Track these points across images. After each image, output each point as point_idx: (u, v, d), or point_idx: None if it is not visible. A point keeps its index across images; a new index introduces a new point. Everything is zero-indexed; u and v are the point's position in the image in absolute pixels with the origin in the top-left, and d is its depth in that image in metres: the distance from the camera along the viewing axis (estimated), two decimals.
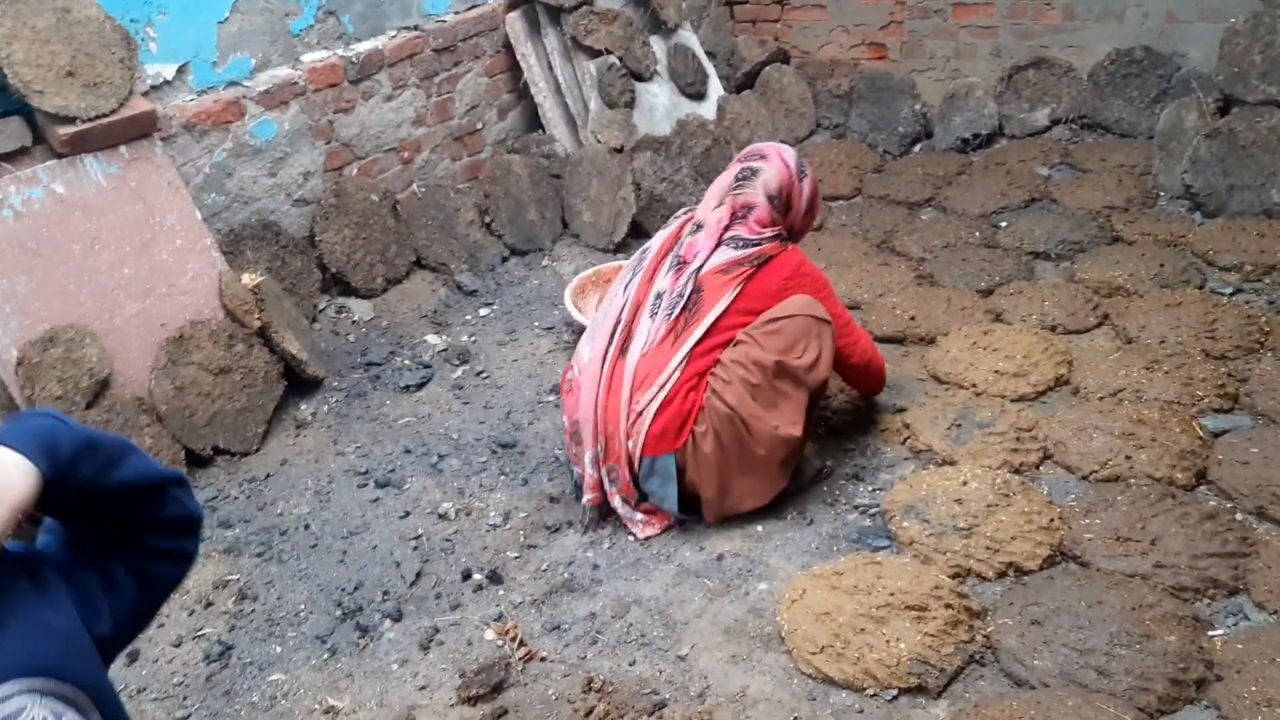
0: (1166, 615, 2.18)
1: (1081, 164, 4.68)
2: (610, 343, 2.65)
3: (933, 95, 5.30)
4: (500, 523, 2.80)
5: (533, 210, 4.25)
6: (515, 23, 4.35)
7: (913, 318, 3.52)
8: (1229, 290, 3.54)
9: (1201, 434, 2.77)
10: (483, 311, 3.90)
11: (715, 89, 4.96)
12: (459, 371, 3.53)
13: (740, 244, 2.64)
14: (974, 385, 3.14)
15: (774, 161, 2.73)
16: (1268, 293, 3.51)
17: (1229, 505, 2.55)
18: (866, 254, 4.12)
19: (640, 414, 2.57)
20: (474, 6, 4.29)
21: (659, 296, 2.64)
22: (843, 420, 3.06)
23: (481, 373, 3.52)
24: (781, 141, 5.22)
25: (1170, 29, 4.82)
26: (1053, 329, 3.42)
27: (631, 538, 2.70)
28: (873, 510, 2.69)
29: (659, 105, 4.61)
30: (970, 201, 4.46)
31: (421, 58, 4.03)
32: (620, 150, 4.27)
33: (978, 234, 4.17)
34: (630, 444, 2.60)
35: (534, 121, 4.55)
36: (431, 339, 3.69)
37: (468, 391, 3.43)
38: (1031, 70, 5.09)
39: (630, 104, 4.44)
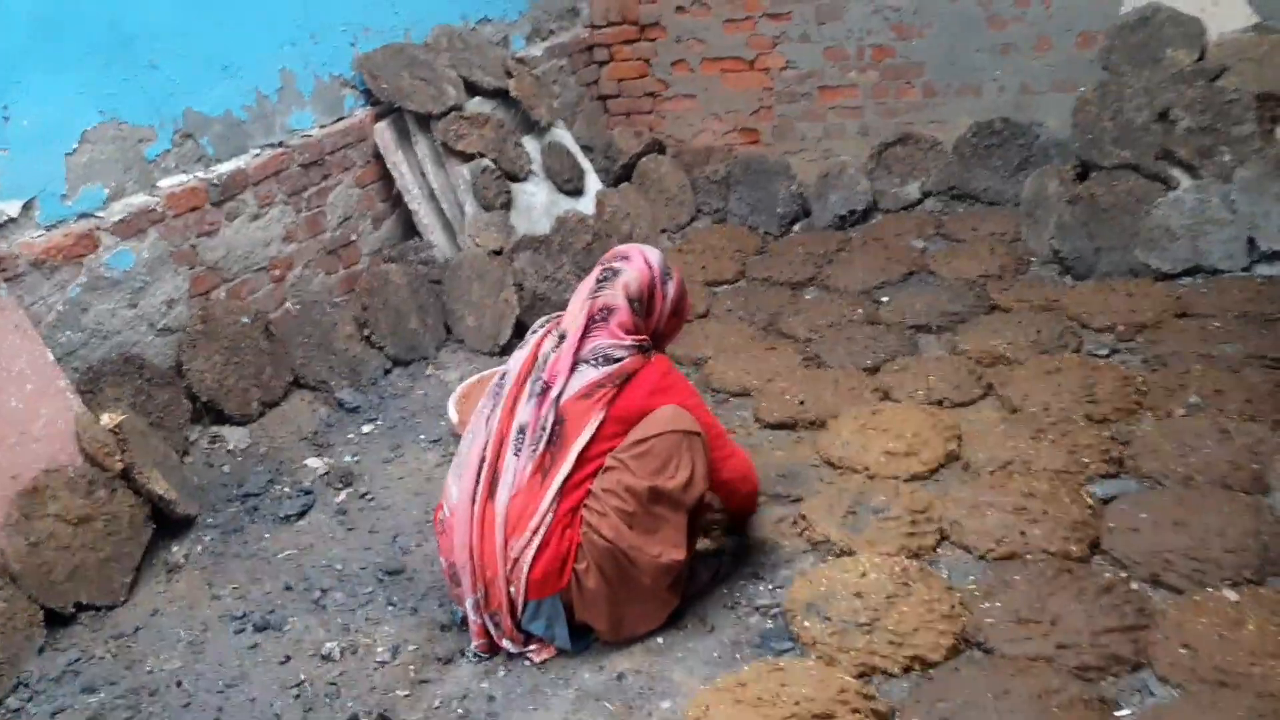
0: (1073, 700, 2.14)
1: (954, 234, 4.78)
2: (477, 484, 2.54)
3: (808, 175, 5.40)
4: (389, 658, 2.65)
5: (414, 318, 4.15)
6: (384, 132, 4.30)
7: (802, 402, 3.51)
8: (1105, 352, 3.62)
9: (1091, 503, 2.78)
10: (366, 429, 3.76)
11: (593, 184, 4.97)
12: (342, 495, 3.38)
13: (600, 361, 2.54)
14: (867, 468, 3.11)
15: (635, 262, 2.65)
16: (1141, 351, 3.59)
17: (1123, 575, 2.54)
18: (753, 338, 4.12)
19: (517, 560, 2.46)
20: (340, 119, 4.22)
21: (521, 431, 2.53)
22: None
23: (366, 494, 3.37)
24: (662, 231, 5.27)
25: (1026, 100, 5.01)
26: (940, 403, 3.44)
27: (527, 661, 2.57)
28: (774, 611, 2.61)
29: (536, 204, 4.59)
30: (851, 278, 4.50)
31: (288, 174, 3.93)
32: (499, 252, 4.22)
33: (860, 310, 4.20)
34: (511, 589, 2.49)
35: (410, 229, 4.48)
36: (312, 462, 3.54)
37: (352, 516, 3.27)
38: (899, 146, 5.23)
39: (507, 205, 4.40)
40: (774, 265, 4.81)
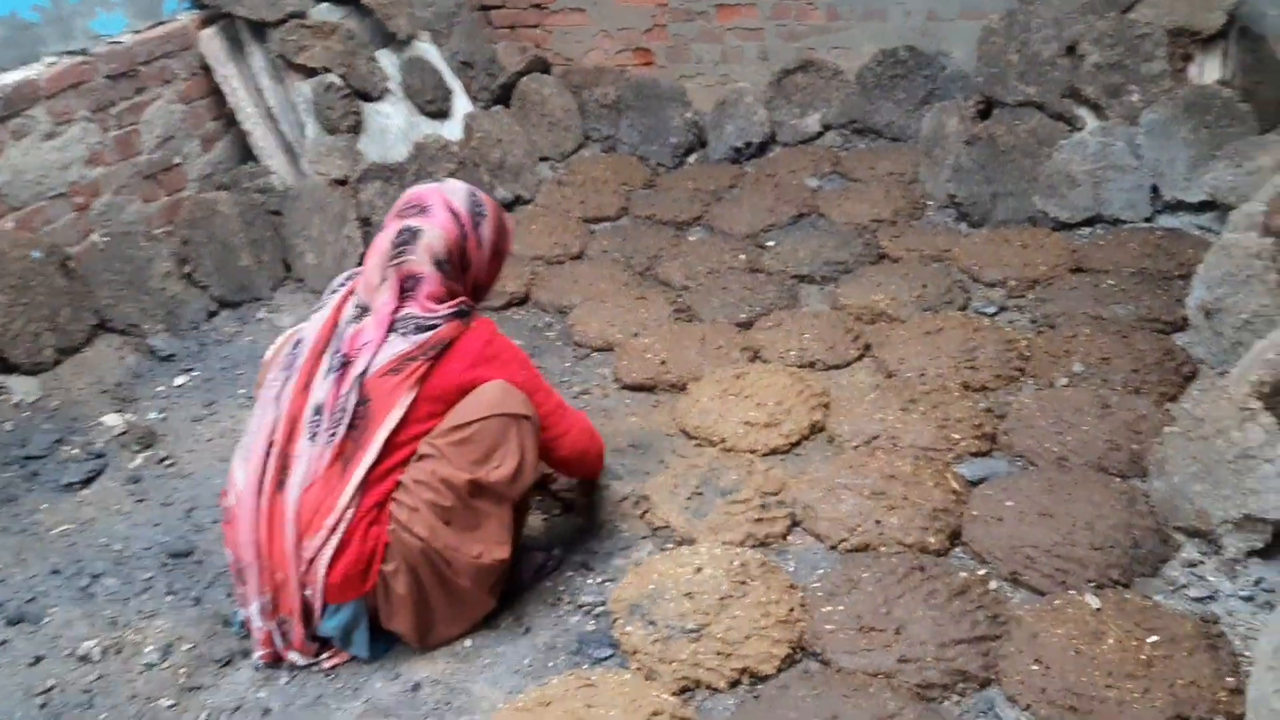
0: None
1: (851, 173, 4.46)
2: (264, 472, 2.18)
3: (704, 102, 5.02)
4: (158, 659, 2.30)
5: (246, 254, 3.72)
6: (211, 41, 3.81)
7: (664, 362, 3.19)
8: (992, 310, 3.35)
9: (956, 486, 2.52)
10: (179, 380, 3.36)
11: (461, 105, 4.53)
12: (138, 459, 2.99)
13: (410, 329, 2.19)
14: (723, 440, 2.82)
15: (437, 215, 2.24)
16: (1030, 310, 3.32)
17: (982, 573, 2.29)
18: (626, 284, 3.78)
19: (313, 561, 2.12)
20: (158, 24, 3.73)
21: (318, 411, 2.16)
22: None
23: (166, 459, 3.00)
24: (543, 159, 4.83)
25: (932, 27, 4.66)
26: (811, 365, 3.15)
27: (316, 668, 2.25)
28: (598, 610, 2.32)
29: (392, 128, 4.15)
30: (738, 220, 4.17)
31: (91, 86, 3.44)
32: (344, 181, 3.79)
33: (743, 256, 3.88)
34: (307, 593, 2.15)
35: (248, 152, 4.01)
36: (109, 420, 3.13)
37: (146, 485, 2.90)
38: (800, 74, 4.87)
39: (356, 128, 3.96)
40: (660, 202, 4.45)
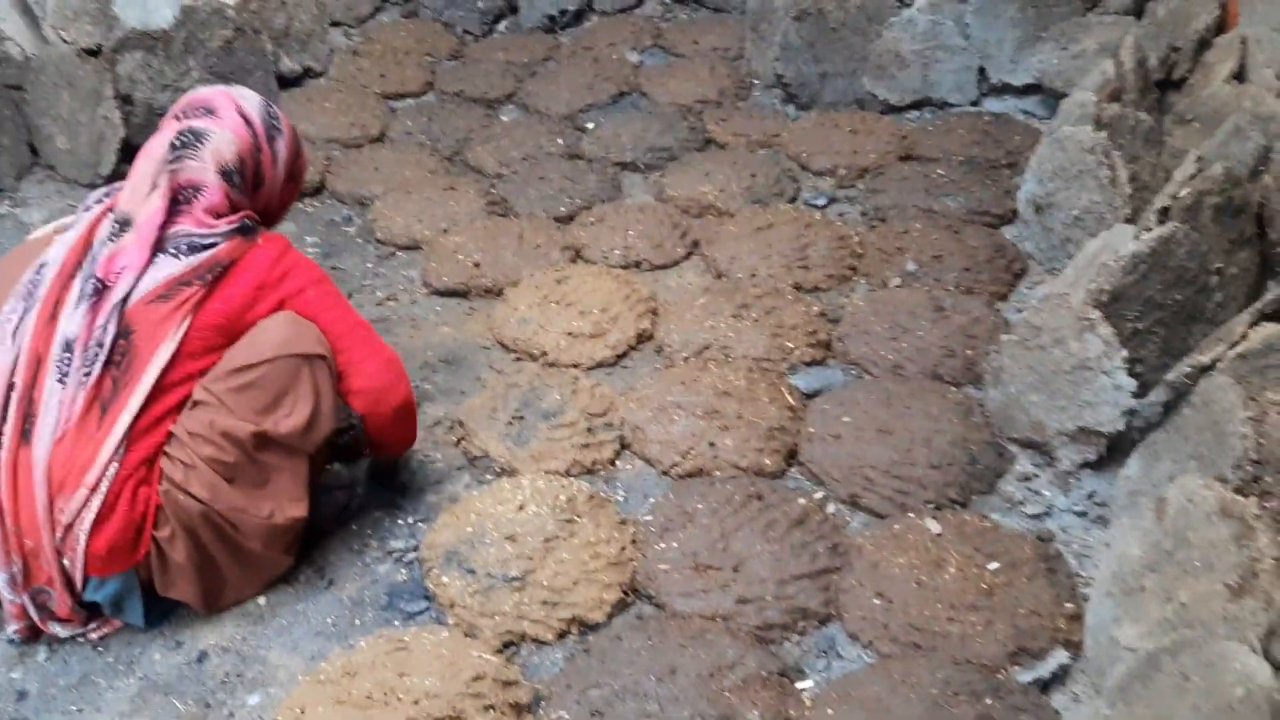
0: (749, 678, 1.77)
1: (674, 47, 4.19)
2: (3, 420, 1.81)
3: None
4: None
5: None
6: None
7: (478, 264, 2.90)
8: (822, 202, 3.20)
9: (792, 400, 2.39)
10: None
11: None
12: None
13: (185, 247, 1.84)
14: (544, 354, 2.59)
15: (227, 118, 1.89)
16: (861, 201, 3.20)
17: (819, 496, 2.19)
18: (434, 172, 3.43)
19: (70, 527, 1.78)
20: None
21: (67, 348, 1.79)
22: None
23: None
24: (334, 24, 4.30)
25: None
26: (637, 265, 2.94)
27: (82, 639, 1.95)
28: (409, 557, 2.09)
29: None
30: (555, 98, 3.85)
31: None
32: (96, 52, 3.24)
33: (561, 140, 3.58)
34: (66, 562, 1.82)
35: None
36: None
37: None
38: None
39: None
40: (469, 75, 4.06)
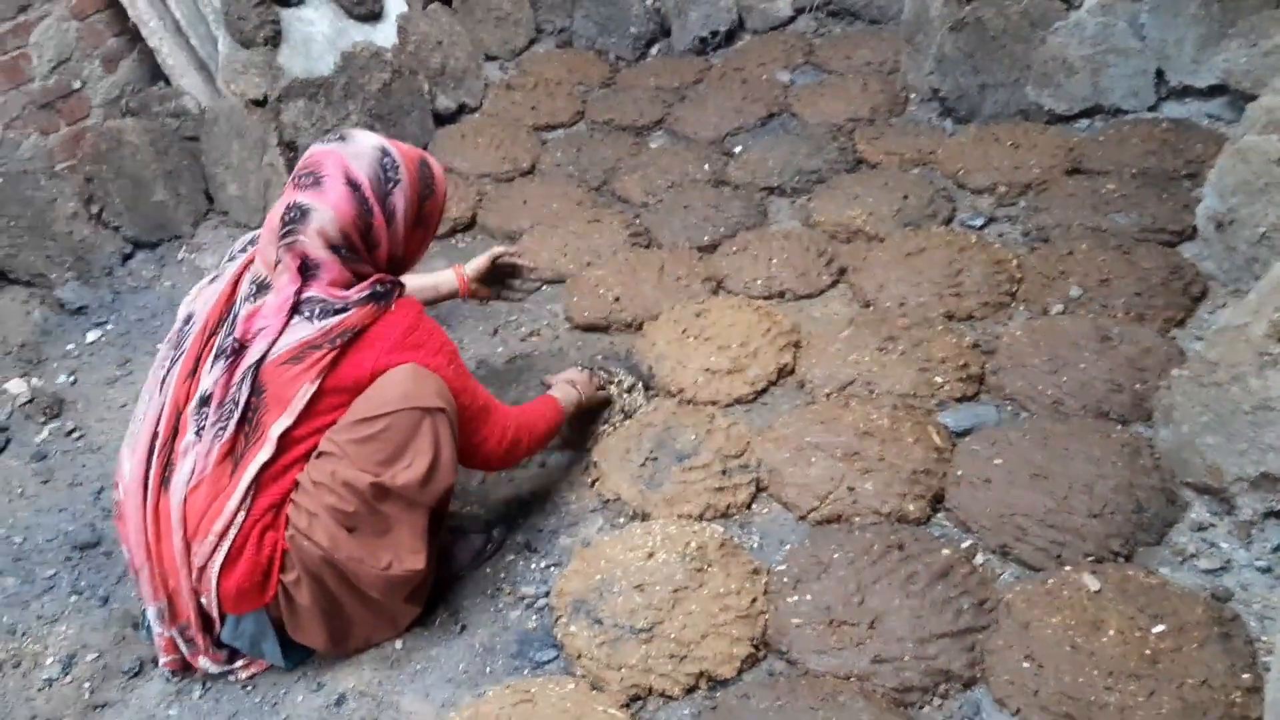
0: None
1: (826, 63, 4.07)
2: (149, 466, 1.91)
3: None
4: (59, 674, 2.09)
5: (161, 188, 3.38)
6: None
7: (618, 299, 2.89)
8: (979, 222, 3.03)
9: (939, 441, 2.26)
10: (91, 336, 3.07)
11: (396, 5, 4.09)
12: (45, 432, 2.73)
13: (319, 312, 1.87)
14: (681, 391, 2.55)
15: (330, 191, 1.87)
16: (1022, 221, 3.01)
17: (967, 545, 2.05)
18: (580, 204, 3.45)
19: (203, 569, 1.87)
20: None
21: (204, 403, 1.87)
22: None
23: (75, 431, 2.73)
24: (490, 58, 4.37)
25: None
26: (780, 295, 2.86)
27: (232, 678, 2.04)
28: (540, 603, 2.09)
29: (317, 36, 3.74)
30: (703, 123, 3.81)
31: None
32: (263, 102, 3.42)
33: (707, 167, 3.54)
34: (203, 600, 1.91)
35: (158, 71, 3.62)
36: (14, 386, 2.86)
37: (53, 461, 2.64)
38: None
39: (274, 39, 3.56)
40: (619, 103, 4.07)
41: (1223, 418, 2.00)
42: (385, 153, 1.94)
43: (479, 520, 2.27)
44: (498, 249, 2.60)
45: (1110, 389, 2.31)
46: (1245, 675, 1.69)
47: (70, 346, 3.03)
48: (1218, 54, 3.24)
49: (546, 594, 2.09)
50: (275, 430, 1.85)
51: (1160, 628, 1.77)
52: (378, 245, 1.93)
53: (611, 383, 2.53)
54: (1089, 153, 3.20)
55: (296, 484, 1.87)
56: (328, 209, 1.86)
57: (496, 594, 2.13)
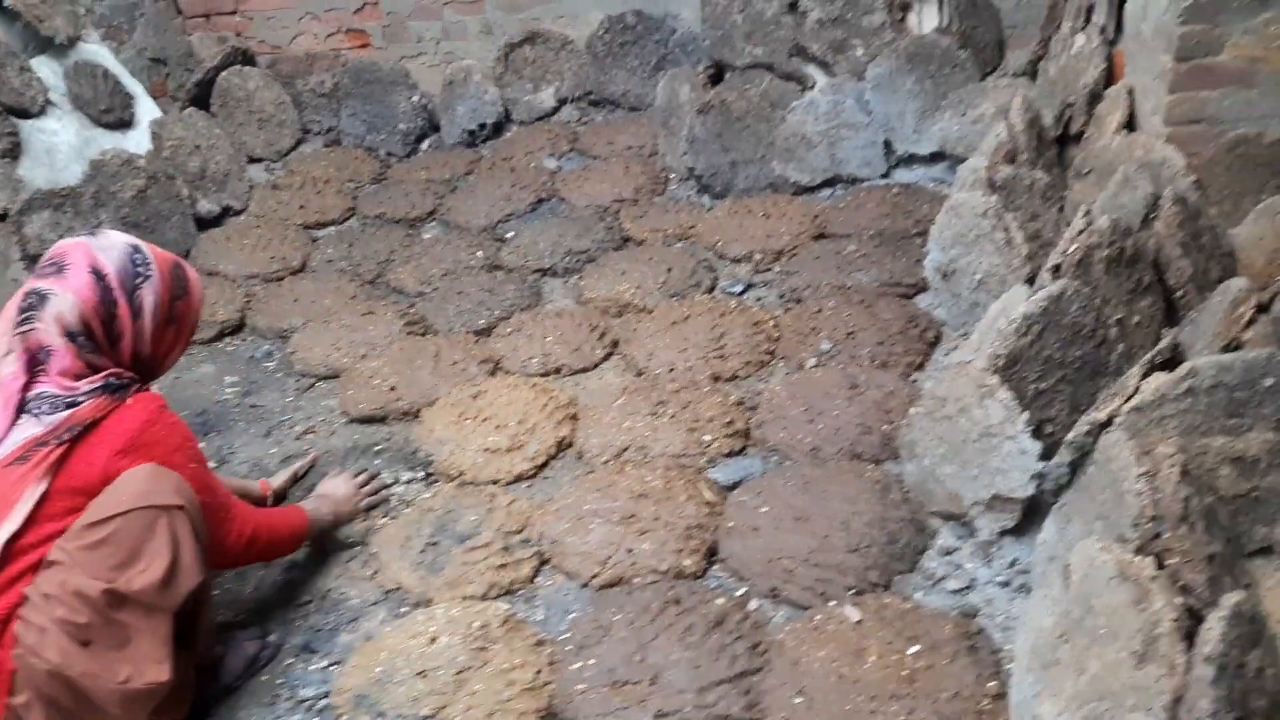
0: None
1: (590, 149, 4.25)
2: None
3: (431, 83, 4.68)
4: None
5: None
6: None
7: (394, 388, 2.88)
8: (739, 289, 3.21)
9: (710, 496, 2.35)
10: None
11: (148, 112, 4.01)
12: None
13: (48, 408, 1.80)
14: (461, 474, 2.56)
15: (73, 277, 1.84)
16: (777, 284, 3.20)
17: (740, 593, 2.14)
18: (354, 298, 3.43)
19: None
20: None
21: None
22: (294, 557, 2.36)
23: None
24: (254, 160, 4.31)
25: None
26: (556, 371, 2.92)
27: None
28: (321, 704, 2.02)
29: (61, 145, 3.60)
30: (475, 211, 3.88)
31: None
32: (4, 216, 3.25)
33: (481, 253, 3.60)
34: None
35: None
36: None
37: None
38: (528, 47, 4.59)
39: (12, 152, 3.41)
40: (391, 197, 4.10)
41: (955, 448, 2.18)
42: (136, 249, 1.94)
43: (254, 628, 2.18)
44: (298, 465, 2.61)
45: (861, 431, 2.47)
46: (992, 683, 1.82)
47: None
48: (934, 124, 3.59)
49: (326, 694, 2.03)
50: (0, 536, 1.74)
51: (915, 648, 1.89)
52: (120, 337, 1.88)
53: (385, 487, 2.50)
54: (832, 219, 3.45)
55: (24, 598, 1.75)
56: (68, 294, 1.81)
57: (274, 701, 2.04)
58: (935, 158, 3.60)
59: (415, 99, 4.60)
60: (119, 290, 1.88)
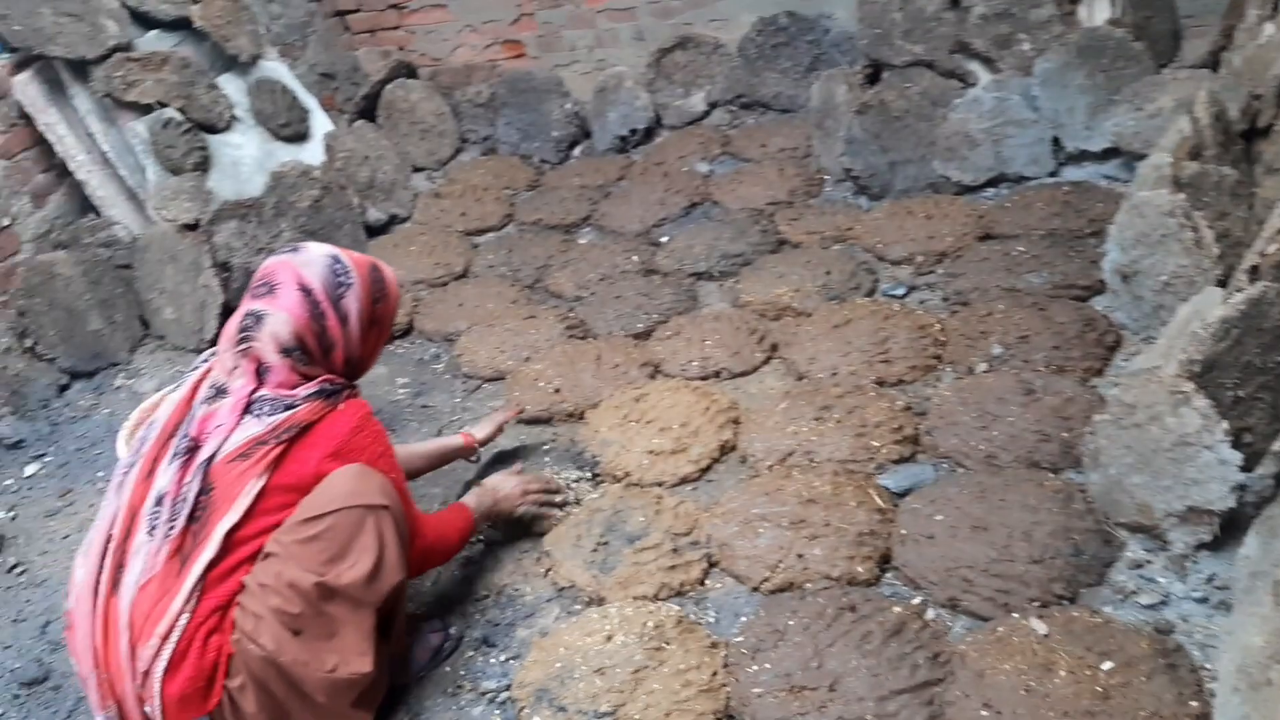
0: None
1: (742, 153, 4.24)
2: (101, 568, 1.89)
3: (583, 91, 4.75)
4: None
5: (96, 317, 3.38)
6: (27, 86, 3.43)
7: (558, 390, 2.94)
8: (901, 291, 3.15)
9: (881, 502, 2.32)
10: (30, 469, 3.03)
11: (321, 124, 4.20)
12: None
13: (268, 409, 1.91)
14: (627, 475, 2.59)
15: (284, 297, 1.94)
16: (941, 287, 3.13)
17: (917, 601, 2.10)
18: (515, 302, 3.52)
19: (147, 674, 1.83)
20: None
21: (159, 502, 1.88)
22: (470, 552, 2.44)
23: (17, 566, 2.68)
24: (417, 170, 4.47)
25: None
26: (716, 375, 2.93)
27: None
28: (502, 696, 2.08)
29: (245, 159, 3.81)
30: (628, 216, 3.93)
31: None
32: (195, 225, 3.45)
33: (636, 258, 3.64)
34: (148, 709, 1.87)
35: (89, 203, 3.65)
36: None
37: None
38: (679, 51, 4.62)
39: (202, 165, 3.62)
40: (546, 204, 4.18)
41: (1146, 457, 2.09)
42: (336, 259, 2.02)
43: (435, 620, 2.26)
44: (503, 417, 2.68)
45: (1039, 439, 2.40)
46: (1193, 703, 1.74)
47: (8, 482, 2.99)
48: (1107, 119, 3.45)
49: (508, 687, 2.08)
50: (221, 529, 1.85)
51: (1109, 665, 1.82)
52: (333, 347, 1.98)
53: (555, 490, 2.54)
54: (998, 219, 3.36)
55: (243, 586, 1.86)
56: (281, 313, 1.91)
57: (457, 692, 2.11)
58: (1108, 154, 3.46)
59: (568, 106, 4.68)
60: (326, 303, 1.97)
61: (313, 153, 4.07)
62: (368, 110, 4.58)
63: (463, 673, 2.16)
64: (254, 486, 1.87)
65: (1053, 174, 3.58)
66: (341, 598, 1.83)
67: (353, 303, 2.02)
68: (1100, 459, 2.21)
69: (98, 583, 1.89)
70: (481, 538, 2.47)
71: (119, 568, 1.89)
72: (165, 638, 1.83)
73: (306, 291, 1.96)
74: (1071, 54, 3.52)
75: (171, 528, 1.86)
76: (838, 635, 2.00)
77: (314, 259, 2.01)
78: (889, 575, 2.20)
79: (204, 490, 1.88)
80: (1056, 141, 3.57)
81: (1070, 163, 3.58)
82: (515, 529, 2.47)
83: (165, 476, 1.90)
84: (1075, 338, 2.70)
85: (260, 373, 1.94)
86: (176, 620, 1.83)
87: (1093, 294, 2.91)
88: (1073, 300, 2.88)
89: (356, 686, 1.90)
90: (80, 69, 3.50)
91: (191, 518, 1.87)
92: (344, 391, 1.99)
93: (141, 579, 1.86)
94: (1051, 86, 3.54)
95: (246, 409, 1.92)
